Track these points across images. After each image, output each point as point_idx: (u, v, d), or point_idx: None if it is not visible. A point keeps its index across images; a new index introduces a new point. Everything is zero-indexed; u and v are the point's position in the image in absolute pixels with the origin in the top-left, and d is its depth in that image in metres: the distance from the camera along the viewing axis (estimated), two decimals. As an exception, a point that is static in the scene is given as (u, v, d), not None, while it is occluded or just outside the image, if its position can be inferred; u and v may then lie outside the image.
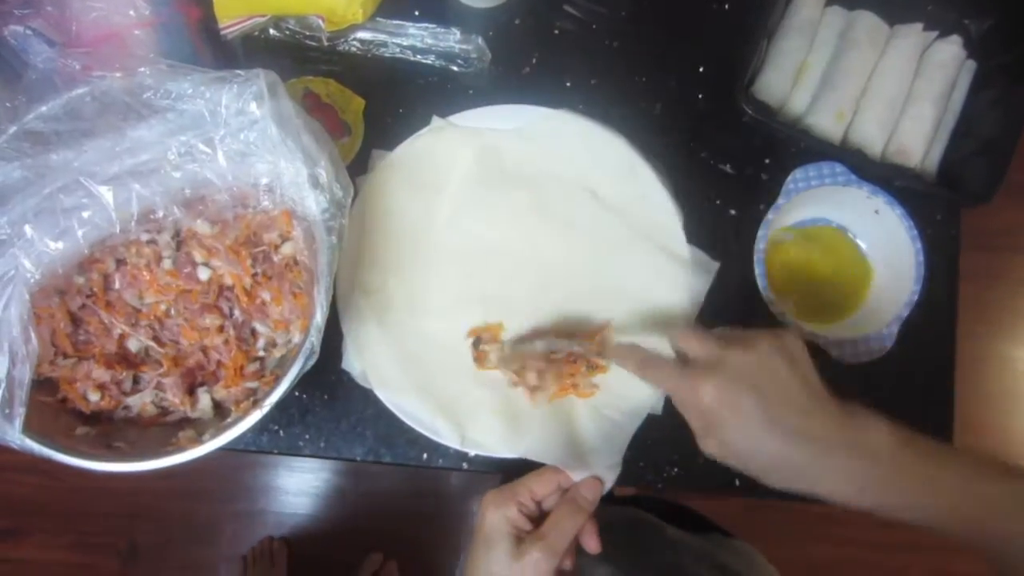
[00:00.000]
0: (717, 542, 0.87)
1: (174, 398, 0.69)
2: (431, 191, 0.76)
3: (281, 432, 0.75)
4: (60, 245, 0.61)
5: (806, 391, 0.53)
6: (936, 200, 0.79)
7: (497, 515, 0.58)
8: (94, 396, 0.67)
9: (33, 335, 0.62)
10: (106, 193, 0.60)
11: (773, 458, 0.52)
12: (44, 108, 0.62)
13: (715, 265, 0.75)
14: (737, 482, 0.74)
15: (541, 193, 0.76)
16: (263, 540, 1.81)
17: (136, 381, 0.69)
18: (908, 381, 0.76)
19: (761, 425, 0.52)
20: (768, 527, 1.68)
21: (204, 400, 0.69)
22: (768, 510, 1.71)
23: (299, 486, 1.85)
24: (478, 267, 0.75)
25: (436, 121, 0.76)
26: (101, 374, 0.67)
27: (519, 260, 0.75)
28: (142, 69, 0.61)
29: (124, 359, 0.69)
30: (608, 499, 0.95)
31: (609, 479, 0.64)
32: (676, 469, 0.75)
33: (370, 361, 0.72)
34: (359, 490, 1.84)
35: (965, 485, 0.51)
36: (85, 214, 0.61)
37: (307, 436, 0.75)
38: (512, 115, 0.76)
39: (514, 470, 0.73)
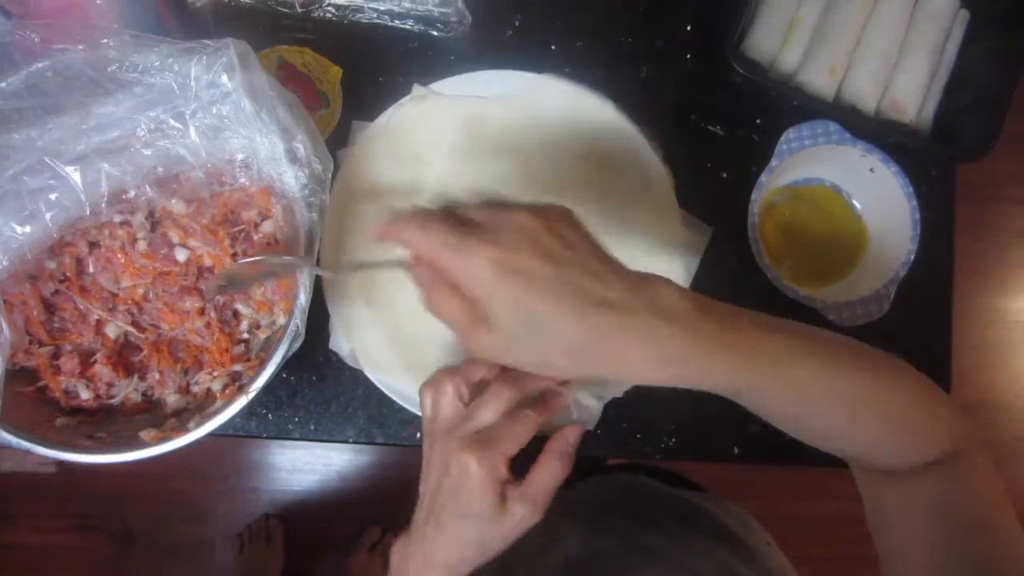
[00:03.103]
0: (711, 500, 0.87)
1: (159, 386, 0.67)
2: (415, 162, 0.73)
3: (270, 416, 0.73)
4: (28, 229, 0.58)
5: (597, 256, 0.46)
6: (930, 156, 0.77)
7: (487, 475, 0.49)
8: (86, 394, 0.65)
9: (4, 323, 0.59)
10: (74, 173, 0.58)
11: (567, 339, 0.44)
12: (3, 84, 0.59)
13: (708, 230, 0.73)
14: (736, 450, 0.74)
15: (528, 161, 0.73)
16: (258, 518, 1.80)
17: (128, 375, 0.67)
18: (906, 343, 0.75)
19: (554, 293, 0.43)
20: (764, 487, 1.69)
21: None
22: (765, 472, 1.72)
23: (293, 463, 1.84)
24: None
25: (417, 89, 0.73)
26: (107, 373, 0.65)
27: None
28: (105, 41, 0.58)
29: (122, 360, 0.67)
30: (601, 468, 0.95)
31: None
32: (673, 440, 0.74)
33: (358, 341, 0.70)
34: (354, 464, 1.84)
35: (757, 347, 0.47)
36: (52, 196, 0.58)
37: (296, 419, 0.73)
38: (496, 81, 0.74)
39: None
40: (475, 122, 0.73)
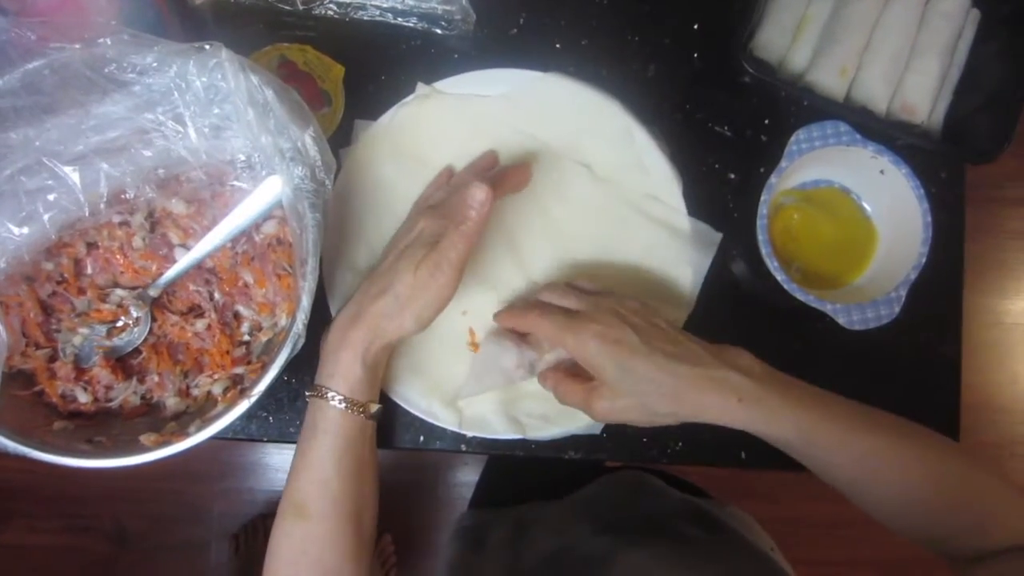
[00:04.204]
0: (713, 504, 0.87)
1: (158, 389, 0.66)
2: (419, 162, 0.72)
3: (270, 419, 0.72)
4: (25, 230, 0.57)
5: (671, 329, 0.60)
6: (941, 157, 0.76)
7: (430, 235, 0.59)
8: (84, 398, 0.63)
9: (1, 326, 0.58)
10: (72, 174, 0.57)
11: (656, 384, 0.56)
12: (0, 82, 0.58)
13: (717, 236, 0.72)
14: (743, 455, 0.73)
15: (534, 164, 0.72)
16: (254, 518, 1.79)
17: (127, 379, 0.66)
18: (916, 345, 0.75)
19: (643, 353, 0.56)
20: (762, 489, 1.69)
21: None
22: (763, 474, 1.72)
23: (288, 463, 1.82)
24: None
25: (421, 88, 0.72)
26: (105, 376, 0.64)
27: (513, 237, 0.72)
28: (103, 40, 0.56)
29: (121, 363, 0.66)
30: (604, 468, 0.94)
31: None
32: (680, 444, 0.73)
33: None
34: (349, 465, 1.82)
35: (825, 404, 0.57)
36: (51, 197, 0.57)
37: (298, 422, 0.72)
38: (500, 79, 0.72)
39: (514, 451, 0.71)
40: (480, 122, 0.72)
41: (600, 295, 0.62)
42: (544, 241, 0.72)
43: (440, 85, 0.72)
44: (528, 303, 0.65)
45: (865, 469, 0.57)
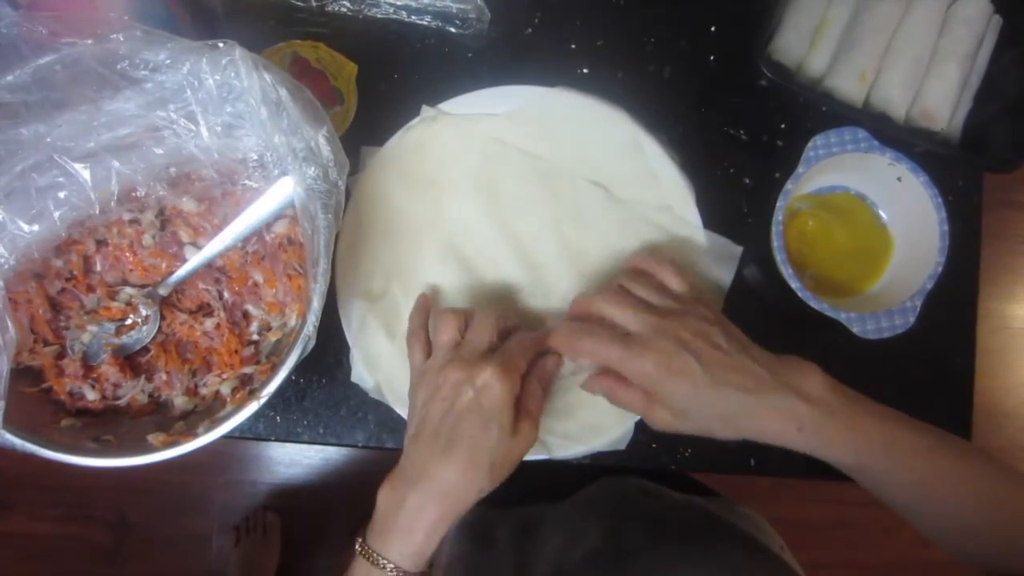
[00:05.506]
0: (722, 505, 0.86)
1: (166, 387, 0.65)
2: (428, 187, 0.70)
3: (278, 418, 0.71)
4: (35, 228, 0.57)
5: (733, 348, 0.57)
6: (960, 165, 0.75)
7: (509, 388, 0.56)
8: (91, 395, 0.63)
9: (10, 322, 0.58)
10: (83, 171, 0.56)
11: (719, 413, 0.56)
12: (10, 77, 0.56)
13: (738, 250, 0.71)
14: (752, 462, 0.72)
15: (545, 184, 0.71)
16: (256, 511, 1.79)
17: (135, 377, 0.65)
18: (929, 354, 0.74)
19: (707, 384, 0.55)
20: (762, 491, 1.68)
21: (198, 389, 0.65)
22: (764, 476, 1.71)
23: (291, 457, 1.83)
24: (483, 266, 0.70)
25: (426, 111, 0.70)
26: (114, 374, 0.64)
27: (533, 261, 0.70)
28: (115, 36, 0.56)
29: (129, 361, 0.65)
30: (611, 470, 0.94)
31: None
32: (689, 451, 0.72)
33: (384, 377, 0.68)
34: (352, 460, 1.83)
35: (885, 431, 0.56)
36: (61, 194, 0.57)
37: (305, 422, 0.71)
38: (507, 96, 0.70)
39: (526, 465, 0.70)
40: (488, 143, 0.71)
41: (658, 311, 0.58)
42: (564, 265, 0.70)
43: (445, 106, 0.71)
44: (580, 316, 0.61)
45: (919, 494, 0.57)
